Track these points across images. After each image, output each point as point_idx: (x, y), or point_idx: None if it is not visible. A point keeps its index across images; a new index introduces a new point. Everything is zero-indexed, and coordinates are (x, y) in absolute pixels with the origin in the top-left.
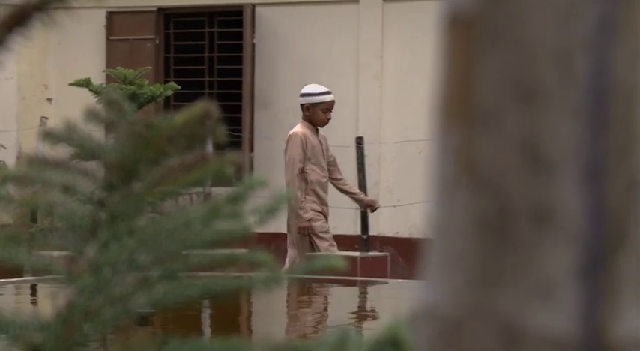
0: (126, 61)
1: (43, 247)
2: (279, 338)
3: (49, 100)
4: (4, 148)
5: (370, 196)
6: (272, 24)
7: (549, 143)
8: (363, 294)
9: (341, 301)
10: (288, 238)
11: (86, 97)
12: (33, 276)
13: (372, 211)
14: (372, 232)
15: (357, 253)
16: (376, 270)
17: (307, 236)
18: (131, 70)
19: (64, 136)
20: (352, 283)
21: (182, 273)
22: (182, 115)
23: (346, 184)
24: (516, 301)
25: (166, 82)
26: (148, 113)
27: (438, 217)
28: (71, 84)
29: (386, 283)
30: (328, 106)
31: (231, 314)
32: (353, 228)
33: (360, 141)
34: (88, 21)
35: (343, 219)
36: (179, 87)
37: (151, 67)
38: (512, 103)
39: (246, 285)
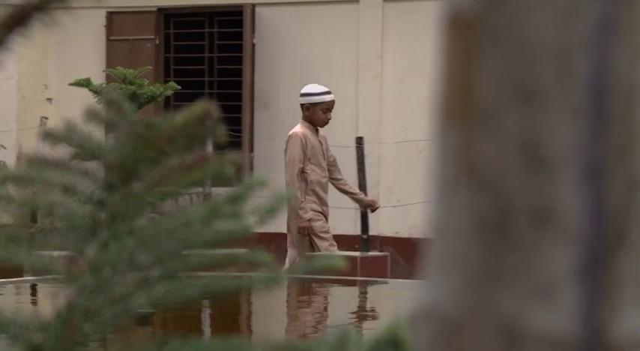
0: (126, 61)
1: (43, 247)
2: (279, 338)
3: (49, 100)
4: (4, 148)
5: (370, 196)
6: (272, 24)
7: (549, 143)
8: (363, 294)
9: (341, 301)
10: (288, 238)
11: (86, 97)
12: (33, 276)
13: (372, 211)
14: (372, 232)
15: (357, 253)
16: (376, 270)
17: (307, 236)
18: (131, 70)
19: (64, 136)
20: (352, 283)
21: (182, 273)
22: (182, 115)
23: (346, 184)
24: (516, 301)
25: (166, 82)
26: (147, 113)
27: (438, 217)
28: (71, 84)
29: (386, 283)
30: (328, 106)
31: (231, 314)
32: (353, 228)
33: (360, 141)
34: (88, 21)
35: (343, 219)
36: (179, 87)
37: (151, 67)
38: (512, 103)
39: (246, 285)
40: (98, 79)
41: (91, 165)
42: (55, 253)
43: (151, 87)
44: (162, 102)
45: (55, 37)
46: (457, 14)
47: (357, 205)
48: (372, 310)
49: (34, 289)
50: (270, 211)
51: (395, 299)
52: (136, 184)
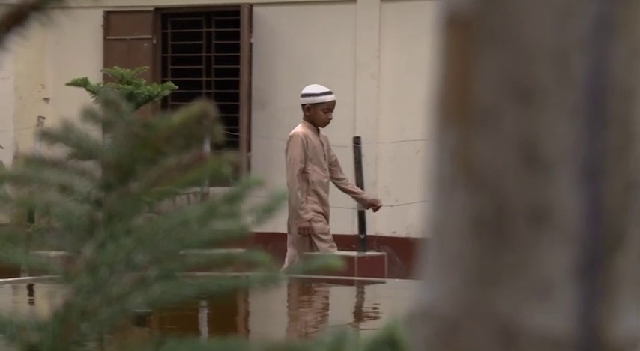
0: (123, 61)
1: (40, 247)
2: (276, 338)
3: (47, 99)
4: (2, 147)
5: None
6: (269, 24)
7: (547, 143)
8: (361, 294)
9: (338, 300)
10: (288, 238)
11: (83, 97)
12: (30, 276)
13: (375, 210)
14: (370, 231)
15: (354, 253)
16: (374, 270)
17: (307, 236)
18: (128, 70)
19: (62, 135)
20: (350, 283)
21: (179, 273)
22: (179, 115)
23: (348, 184)
24: (514, 301)
25: (164, 81)
26: (145, 113)
27: (435, 216)
28: (68, 84)
29: (383, 282)
30: (329, 106)
31: (228, 314)
32: (350, 228)
33: (357, 141)
34: (85, 21)
35: (340, 219)
36: (176, 87)
37: (148, 67)
38: (509, 102)
39: (244, 285)
40: (95, 78)
41: (89, 165)
42: (53, 253)
43: (149, 87)
44: (159, 102)
45: (53, 37)
46: (454, 14)
47: (355, 205)
48: (370, 310)
49: (31, 288)
50: (268, 211)
51: (392, 299)
52: (134, 184)
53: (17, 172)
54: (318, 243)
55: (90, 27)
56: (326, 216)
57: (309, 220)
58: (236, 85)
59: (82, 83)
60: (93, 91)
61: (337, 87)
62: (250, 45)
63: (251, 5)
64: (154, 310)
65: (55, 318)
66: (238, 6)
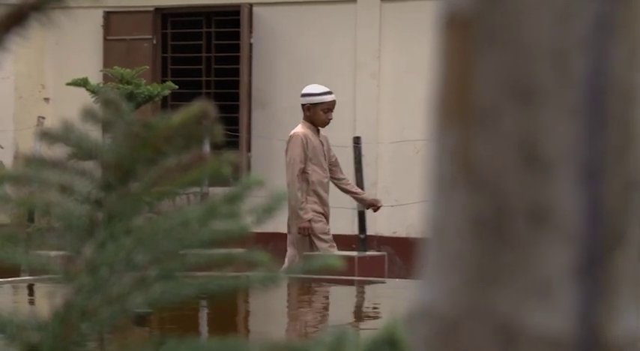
0: (123, 61)
1: (40, 247)
2: (276, 338)
3: (47, 99)
4: (2, 147)
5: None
6: (269, 24)
7: (547, 143)
8: (361, 294)
9: (338, 300)
10: (288, 238)
11: (83, 97)
12: (30, 276)
13: (375, 210)
14: (370, 231)
15: (354, 253)
16: (374, 270)
17: (307, 237)
18: (128, 70)
19: (61, 135)
20: (350, 283)
21: (179, 273)
22: (179, 115)
23: (348, 184)
24: (513, 301)
25: (164, 81)
26: (145, 113)
27: (435, 216)
28: (68, 84)
29: (383, 282)
30: (329, 106)
31: (228, 314)
32: (350, 228)
33: (357, 141)
34: (85, 21)
35: (340, 219)
36: (176, 87)
37: (148, 67)
38: (509, 102)
39: (244, 285)
40: (95, 78)
41: (89, 165)
42: (53, 253)
43: (149, 87)
44: (159, 102)
45: (53, 37)
46: (454, 14)
47: (355, 205)
48: (370, 310)
49: (31, 288)
50: (268, 211)
51: (392, 299)
52: (134, 184)
53: (17, 172)
54: (318, 243)
55: (90, 27)
56: (326, 216)
57: (309, 220)
58: (236, 85)
59: (82, 83)
60: (93, 91)
61: (337, 87)
62: (250, 45)
63: (251, 5)
64: (154, 310)
65: (55, 318)
66: (238, 6)
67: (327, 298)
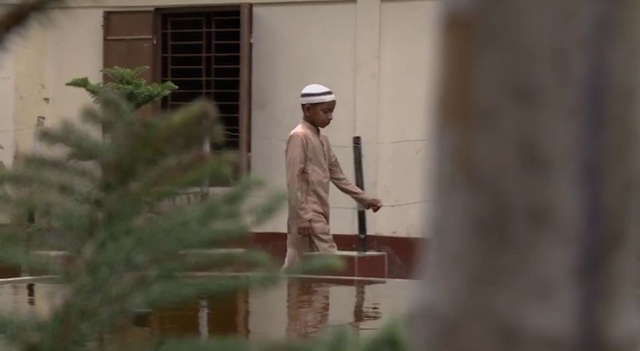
0: (123, 61)
1: (40, 247)
2: (276, 338)
3: (47, 99)
4: (2, 147)
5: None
6: (269, 24)
7: (547, 143)
8: (361, 294)
9: (338, 300)
10: (288, 238)
11: (83, 97)
12: (30, 276)
13: (375, 210)
14: (370, 231)
15: (354, 253)
16: (374, 270)
17: (307, 237)
18: (128, 70)
19: (61, 135)
20: (350, 283)
21: (179, 273)
22: (179, 115)
23: (348, 184)
24: (513, 301)
25: (164, 81)
26: (145, 113)
27: (435, 216)
28: (68, 84)
29: (383, 282)
30: (329, 107)
31: (228, 314)
32: (350, 228)
33: (357, 141)
34: (85, 21)
35: (340, 219)
36: (176, 87)
37: (148, 67)
38: (509, 102)
39: (244, 285)
40: (95, 78)
41: (89, 165)
42: (53, 253)
43: (149, 87)
44: (159, 102)
45: (53, 37)
46: (455, 14)
47: (355, 205)
48: (370, 310)
49: (31, 288)
50: (268, 211)
51: (392, 299)
52: (134, 184)
53: (17, 172)
54: (318, 243)
55: (90, 27)
56: (326, 216)
57: (309, 220)
58: (236, 85)
59: (82, 83)
60: (93, 91)
61: (337, 87)
62: (250, 45)
63: (251, 5)
64: (154, 310)
65: (54, 318)
66: (238, 6)
67: (327, 298)
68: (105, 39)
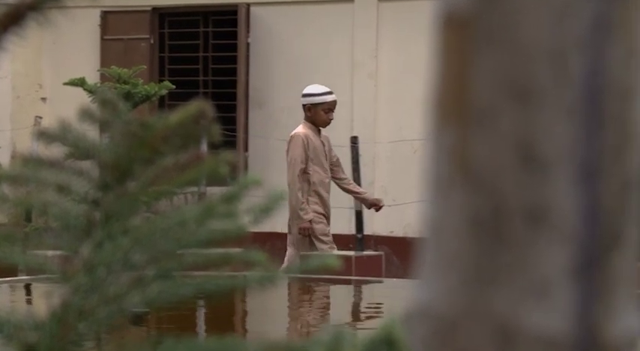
0: (120, 61)
1: (37, 247)
2: (273, 338)
3: (44, 99)
4: None
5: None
6: (267, 23)
7: (544, 143)
8: (358, 293)
9: (336, 300)
10: (289, 238)
11: (80, 97)
12: (27, 275)
13: (377, 210)
14: (367, 231)
15: (351, 253)
16: (371, 269)
17: (307, 237)
18: (125, 70)
19: (59, 135)
20: (347, 283)
21: (177, 272)
22: (177, 115)
23: (350, 183)
24: (511, 301)
25: (161, 81)
26: (142, 112)
27: (432, 216)
28: (65, 83)
29: (381, 282)
30: (330, 107)
31: (226, 314)
32: (348, 227)
33: (354, 140)
34: (82, 20)
35: (338, 218)
36: (174, 86)
37: (145, 67)
38: (506, 102)
39: (241, 284)
40: (92, 78)
41: (86, 164)
42: (50, 253)
43: (146, 86)
44: (156, 101)
45: (50, 37)
46: (452, 14)
47: (352, 205)
48: (367, 310)
49: (28, 288)
50: (265, 211)
51: (390, 299)
52: (131, 184)
53: (14, 171)
54: (318, 244)
55: (87, 27)
56: (327, 217)
57: (310, 221)
58: (233, 84)
59: (80, 83)
60: (90, 91)
61: (335, 87)
62: (248, 44)
63: (248, 5)
64: (152, 310)
65: (52, 318)
66: (236, 5)
67: (324, 297)
68: (102, 39)
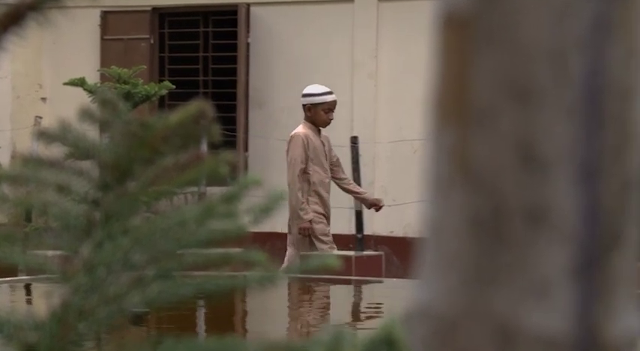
0: (120, 61)
1: (37, 247)
2: (273, 338)
3: (44, 99)
4: None
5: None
6: (267, 23)
7: (544, 143)
8: (358, 293)
9: (336, 300)
10: (289, 238)
11: (80, 97)
12: (27, 275)
13: (377, 210)
14: (367, 231)
15: (351, 253)
16: (371, 269)
17: (307, 237)
18: (125, 70)
19: (59, 135)
20: (347, 283)
21: (176, 272)
22: (177, 115)
23: (350, 183)
24: (511, 301)
25: (161, 81)
26: (142, 112)
27: (432, 216)
28: (65, 83)
29: (381, 282)
30: (330, 107)
31: (226, 314)
32: (348, 227)
33: (354, 140)
34: (82, 20)
35: (338, 218)
36: (174, 86)
37: (145, 67)
38: (506, 102)
39: (241, 284)
40: (92, 78)
41: (86, 164)
42: (50, 253)
43: (146, 86)
44: (156, 101)
45: (50, 37)
46: (452, 14)
47: (352, 205)
48: (367, 310)
49: (28, 288)
50: (265, 211)
51: (390, 299)
52: (131, 184)
53: (14, 171)
54: (318, 244)
55: (87, 27)
56: (327, 217)
57: (310, 221)
58: (233, 84)
59: (80, 83)
60: (90, 91)
61: (335, 87)
62: (248, 44)
63: (248, 5)
64: (152, 310)
65: (52, 318)
66: (236, 5)
67: (324, 297)
68: (102, 39)
